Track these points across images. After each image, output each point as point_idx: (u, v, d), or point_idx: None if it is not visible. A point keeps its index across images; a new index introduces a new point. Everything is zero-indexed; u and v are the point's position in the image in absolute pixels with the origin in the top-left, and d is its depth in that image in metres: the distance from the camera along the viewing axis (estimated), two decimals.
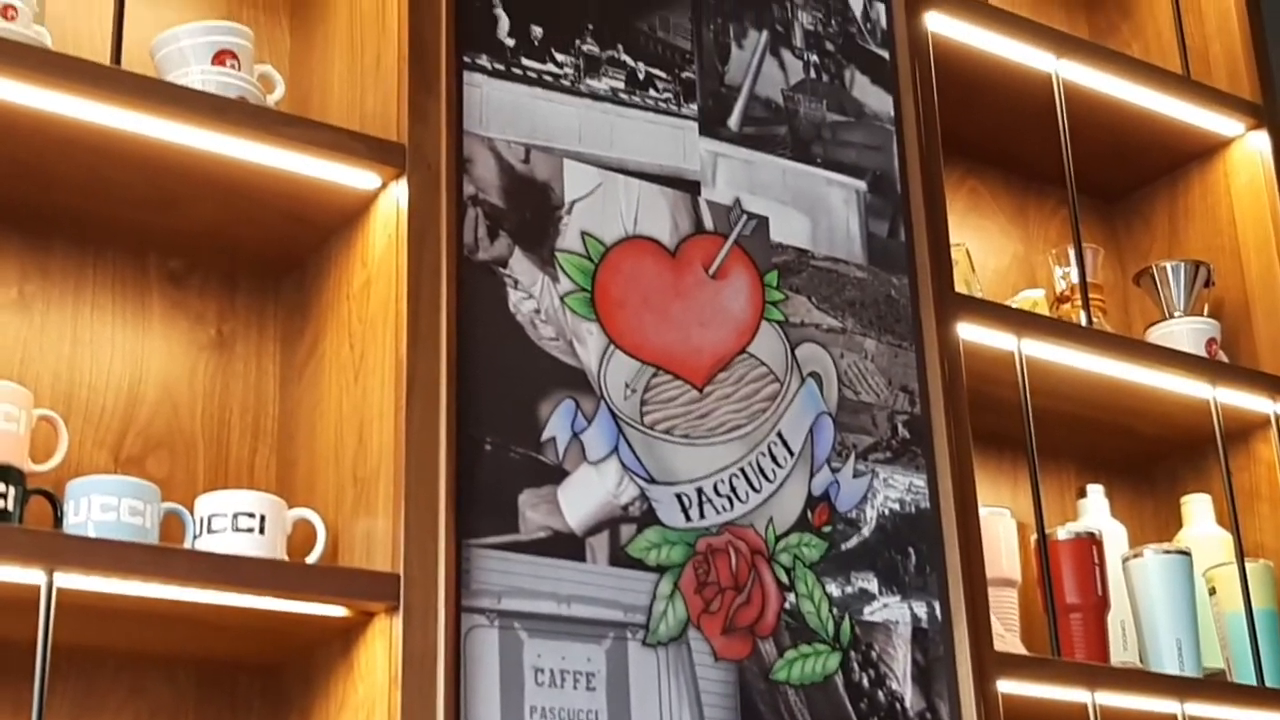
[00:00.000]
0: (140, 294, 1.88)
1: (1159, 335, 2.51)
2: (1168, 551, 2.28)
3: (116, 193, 1.77)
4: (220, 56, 1.82)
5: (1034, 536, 2.22)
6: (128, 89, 1.63)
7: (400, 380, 1.70)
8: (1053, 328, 2.30)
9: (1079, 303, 2.42)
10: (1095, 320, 2.42)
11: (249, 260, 1.93)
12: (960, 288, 2.26)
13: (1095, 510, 2.42)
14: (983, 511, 2.14)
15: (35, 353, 1.80)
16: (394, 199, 1.78)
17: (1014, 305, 2.41)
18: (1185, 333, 2.50)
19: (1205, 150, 2.69)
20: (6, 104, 1.61)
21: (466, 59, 1.87)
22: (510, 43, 1.92)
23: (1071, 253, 2.48)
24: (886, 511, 2.03)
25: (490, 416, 1.76)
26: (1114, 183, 2.77)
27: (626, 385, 1.87)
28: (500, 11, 1.92)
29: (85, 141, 1.67)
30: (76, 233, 1.84)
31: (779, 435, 1.97)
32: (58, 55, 1.64)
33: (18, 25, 1.68)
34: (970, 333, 2.19)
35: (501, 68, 1.90)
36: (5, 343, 1.78)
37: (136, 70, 1.78)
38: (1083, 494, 2.46)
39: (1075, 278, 2.46)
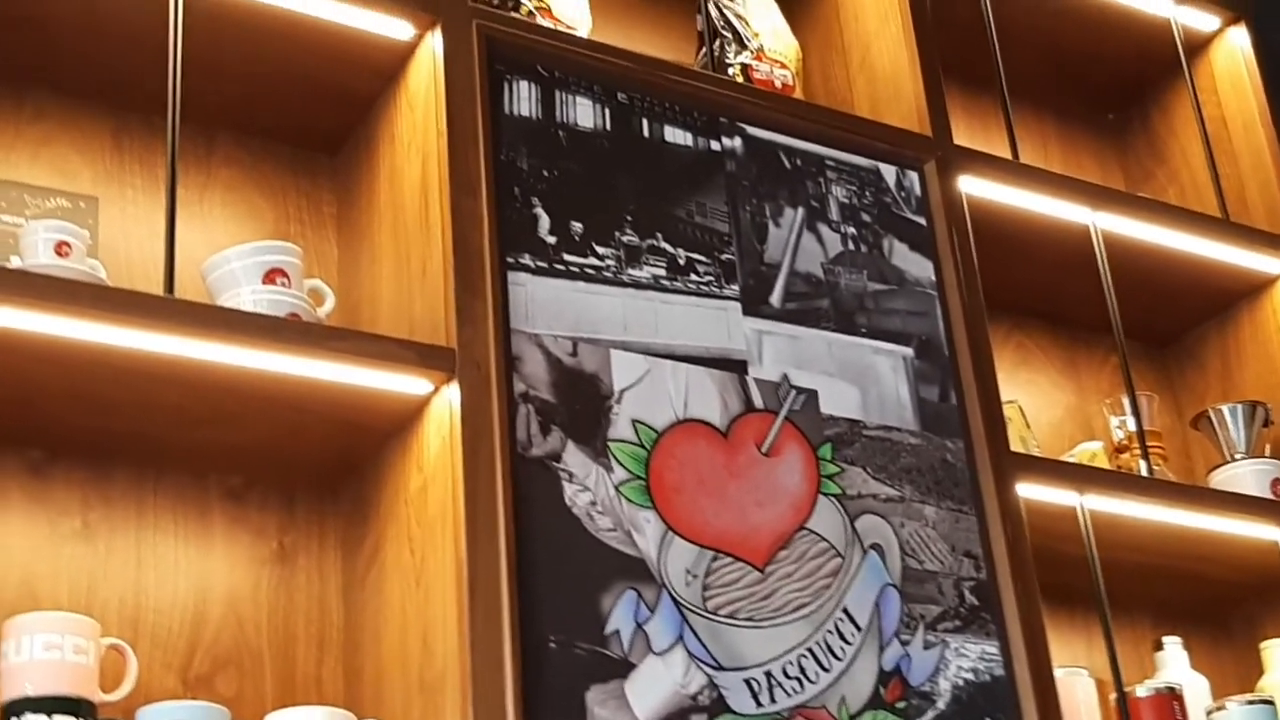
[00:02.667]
0: (201, 512, 1.90)
1: (1222, 479, 2.49)
2: (1251, 701, 2.23)
3: (174, 415, 1.80)
4: (271, 275, 1.86)
5: (1113, 695, 2.18)
6: (181, 317, 1.67)
7: (462, 583, 1.70)
8: (1114, 481, 2.29)
9: (1138, 451, 2.40)
10: (1156, 468, 2.40)
11: (307, 471, 1.95)
12: (1016, 446, 2.25)
13: (1174, 663, 2.38)
14: (1059, 673, 2.11)
15: (101, 580, 1.82)
16: (446, 402, 1.80)
17: (1072, 459, 2.40)
18: (1249, 475, 2.47)
19: (1251, 289, 2.69)
20: (65, 340, 1.65)
21: (510, 259, 1.91)
22: (551, 240, 1.96)
23: (1126, 402, 2.46)
24: (961, 682, 2.00)
25: (553, 613, 1.76)
26: (1162, 327, 2.77)
27: (687, 571, 1.87)
28: (540, 210, 1.96)
29: (142, 369, 1.71)
30: (136, 457, 1.87)
31: (845, 611, 1.95)
32: (112, 290, 1.69)
33: (72, 261, 1.74)
34: (1031, 491, 2.18)
35: (544, 264, 1.94)
36: (72, 573, 1.80)
37: (189, 291, 1.84)
38: (1159, 647, 2.41)
39: (1132, 426, 2.44)
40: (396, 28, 1.97)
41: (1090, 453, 2.43)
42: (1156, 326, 2.76)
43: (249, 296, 1.83)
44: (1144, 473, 2.35)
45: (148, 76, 1.90)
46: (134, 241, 1.97)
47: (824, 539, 1.98)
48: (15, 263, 1.75)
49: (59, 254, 1.74)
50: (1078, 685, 2.24)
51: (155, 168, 2.01)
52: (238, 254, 1.87)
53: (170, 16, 1.82)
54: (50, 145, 1.96)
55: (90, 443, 1.84)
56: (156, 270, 1.85)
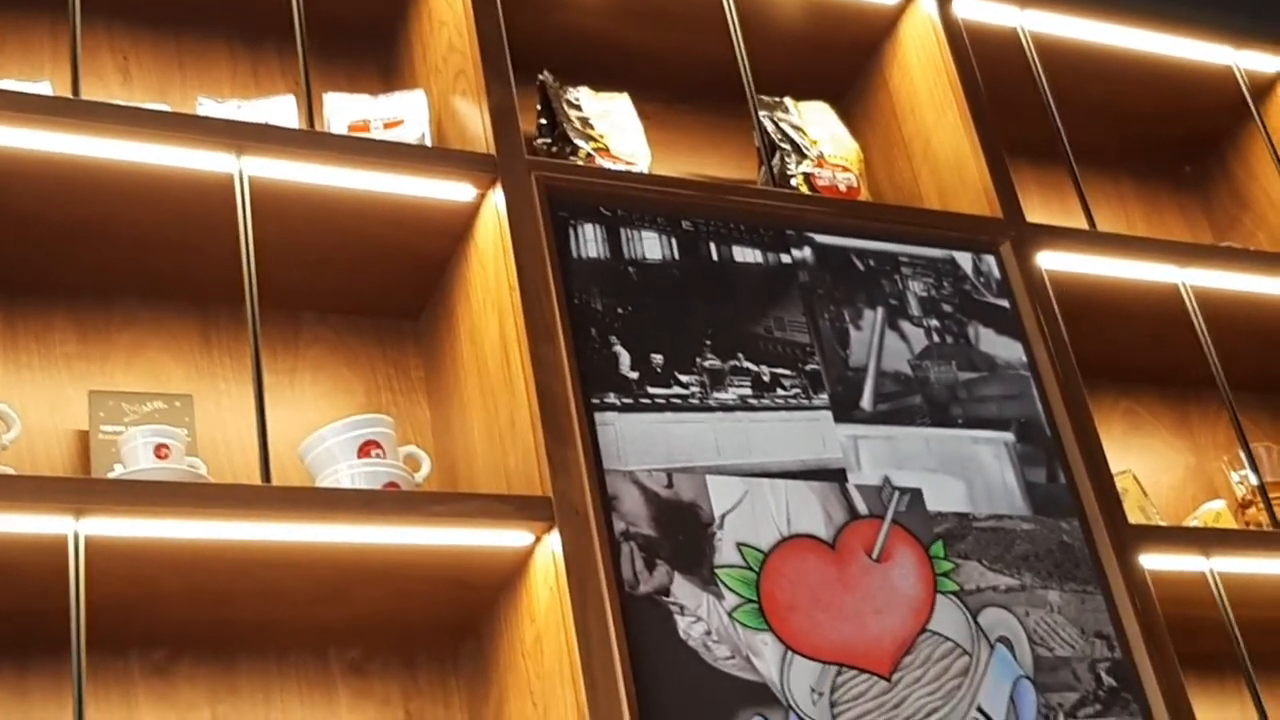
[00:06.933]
0: (326, 689, 1.92)
1: None
2: None
3: (287, 599, 1.83)
4: (365, 448, 1.90)
5: None
6: (280, 503, 1.71)
7: None
8: (1240, 540, 2.23)
9: (1264, 505, 2.34)
10: None
11: (424, 636, 1.97)
12: (1135, 516, 2.21)
13: None
14: None
15: None
16: (549, 550, 1.81)
17: (1195, 522, 2.34)
18: None
19: None
20: (174, 540, 1.68)
21: (595, 400, 1.92)
22: (634, 375, 1.97)
23: (1244, 456, 2.41)
24: None
25: None
26: (1272, 374, 2.71)
27: (812, 690, 1.85)
28: (619, 348, 1.98)
29: (251, 558, 1.74)
30: (257, 644, 1.90)
31: (979, 710, 1.92)
32: (212, 486, 1.73)
33: (171, 462, 1.78)
34: (1155, 561, 2.13)
35: (629, 400, 1.95)
36: None
37: (291, 474, 1.89)
38: None
39: (1253, 480, 2.39)
40: (458, 190, 2.02)
41: (1214, 513, 2.37)
42: (1265, 374, 2.70)
43: (346, 472, 1.87)
44: (1270, 526, 2.29)
45: (226, 269, 1.95)
46: (231, 432, 2.02)
47: (948, 639, 1.95)
48: (119, 470, 1.81)
49: (159, 456, 1.79)
50: None
51: (244, 358, 2.06)
52: (331, 431, 1.90)
53: (238, 209, 1.88)
54: (142, 350, 2.03)
55: (210, 636, 1.87)
56: (256, 458, 1.89)
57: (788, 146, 2.38)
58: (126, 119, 1.85)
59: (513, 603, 1.88)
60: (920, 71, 2.49)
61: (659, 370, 1.99)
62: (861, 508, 2.00)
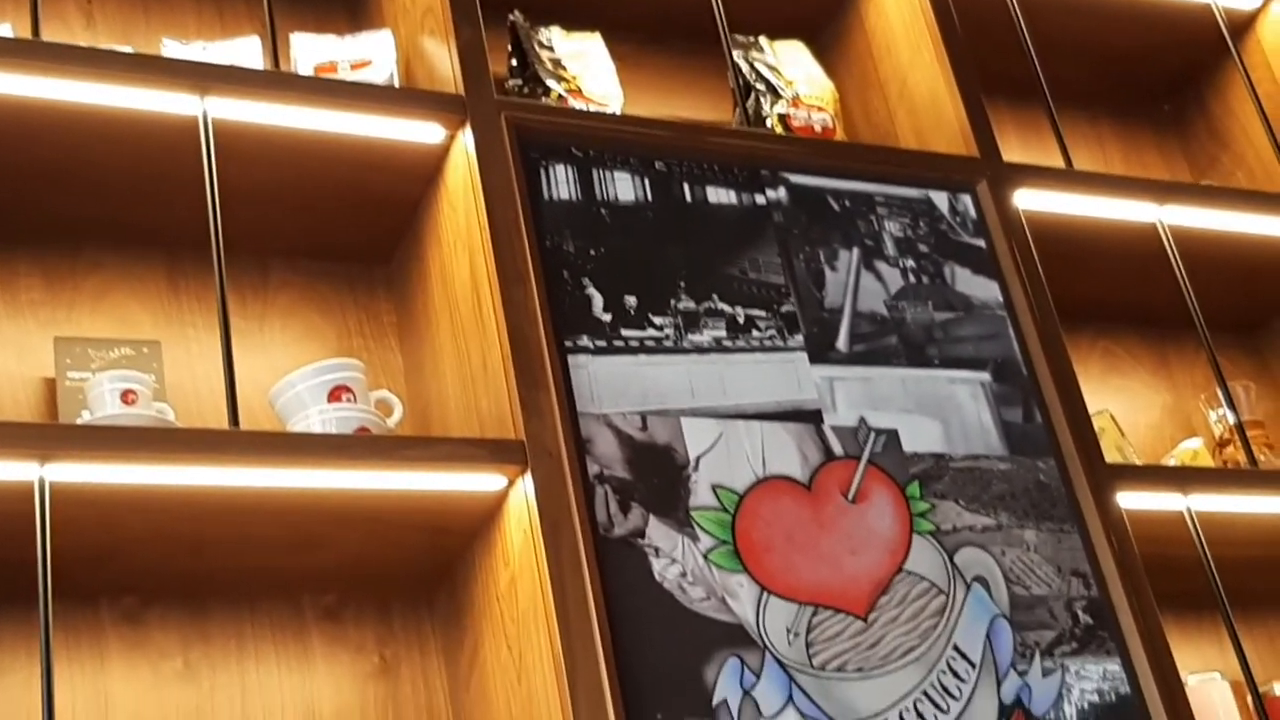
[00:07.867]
0: (300, 637, 1.91)
1: None
2: None
3: (259, 545, 1.81)
4: (336, 393, 1.88)
5: (1250, 697, 2.11)
6: (247, 448, 1.69)
7: (561, 674, 1.69)
8: (1217, 477, 2.23)
9: (1241, 444, 2.34)
10: (1261, 457, 2.33)
11: (398, 581, 1.96)
12: (1112, 456, 2.20)
13: None
14: (1191, 680, 2.05)
15: (209, 717, 1.83)
16: (523, 494, 1.80)
17: (1173, 460, 2.34)
18: None
19: None
20: (141, 486, 1.66)
21: (568, 342, 1.91)
22: (607, 317, 1.95)
23: (1221, 394, 2.40)
24: (1086, 705, 1.94)
25: (657, 691, 1.74)
26: (1250, 312, 2.71)
27: (788, 630, 1.84)
28: (592, 290, 1.96)
29: (221, 504, 1.72)
30: (229, 591, 1.88)
31: (955, 649, 1.91)
32: (178, 431, 1.71)
33: (139, 408, 1.76)
34: (1132, 500, 2.12)
35: (603, 343, 1.93)
36: (178, 714, 1.81)
37: (263, 420, 1.86)
38: None
39: (1231, 419, 2.38)
40: (427, 131, 1.99)
41: (1191, 452, 2.37)
42: (1243, 313, 2.69)
43: (317, 417, 1.85)
44: (1247, 464, 2.29)
45: (192, 213, 1.92)
46: (200, 378, 2.00)
47: (924, 578, 1.95)
48: (85, 417, 1.79)
49: (125, 402, 1.76)
50: (1213, 691, 2.17)
51: (212, 303, 2.04)
52: (300, 376, 1.88)
53: (203, 153, 1.85)
54: (108, 296, 2.00)
55: (182, 583, 1.85)
56: (225, 405, 1.87)
57: (763, 87, 2.35)
58: (89, 60, 1.81)
59: (486, 547, 1.87)
60: (896, 10, 2.46)
61: (632, 312, 1.97)
62: (837, 449, 1.99)
